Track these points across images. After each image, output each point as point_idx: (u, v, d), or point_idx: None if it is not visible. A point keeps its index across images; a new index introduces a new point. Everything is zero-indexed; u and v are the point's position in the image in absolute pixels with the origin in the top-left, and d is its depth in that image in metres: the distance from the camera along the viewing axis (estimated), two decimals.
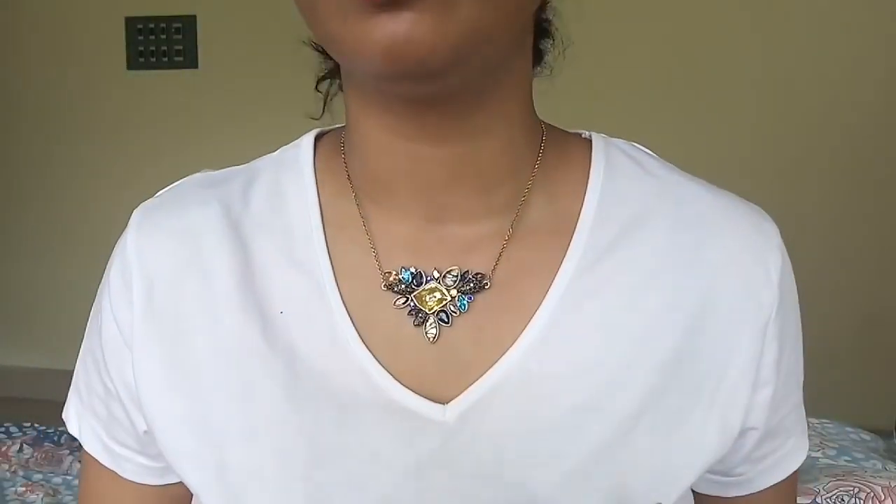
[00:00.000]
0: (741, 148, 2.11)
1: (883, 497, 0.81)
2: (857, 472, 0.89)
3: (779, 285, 0.48)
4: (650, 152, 0.53)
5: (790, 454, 0.54)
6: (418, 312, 0.46)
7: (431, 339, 0.45)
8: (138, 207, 0.53)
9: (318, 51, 0.50)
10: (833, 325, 2.07)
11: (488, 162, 0.45)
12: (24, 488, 1.27)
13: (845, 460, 1.00)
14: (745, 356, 0.47)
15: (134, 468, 0.53)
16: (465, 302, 0.45)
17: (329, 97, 0.53)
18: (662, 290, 0.47)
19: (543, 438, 0.45)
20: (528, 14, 0.42)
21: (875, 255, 2.11)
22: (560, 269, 0.46)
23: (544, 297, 0.46)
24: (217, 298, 0.48)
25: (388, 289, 0.46)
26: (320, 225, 0.48)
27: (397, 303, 0.46)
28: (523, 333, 0.45)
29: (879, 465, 0.99)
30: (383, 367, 0.45)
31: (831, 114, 2.07)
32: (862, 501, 0.81)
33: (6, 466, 1.35)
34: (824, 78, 2.06)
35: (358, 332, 0.46)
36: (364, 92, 0.44)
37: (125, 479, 0.53)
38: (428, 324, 0.45)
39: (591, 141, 0.51)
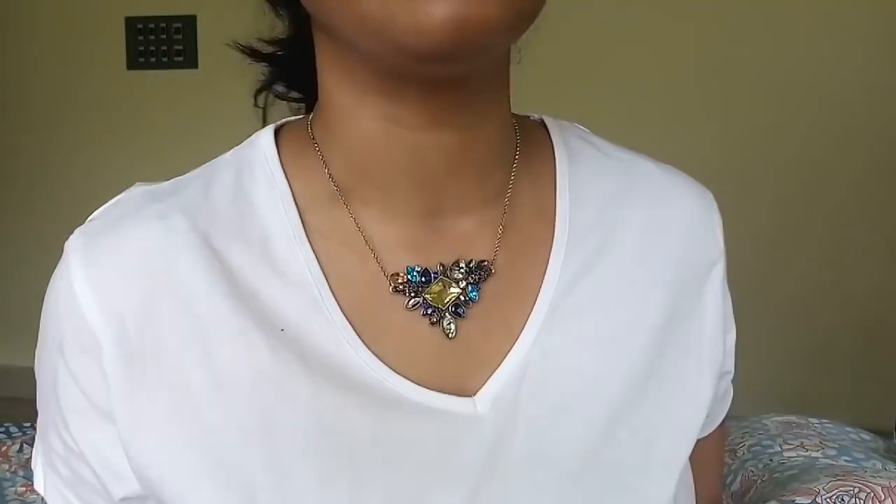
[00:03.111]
0: (743, 147, 2.11)
1: (883, 497, 0.81)
2: (857, 472, 0.88)
3: (723, 242, 0.54)
4: (593, 134, 0.55)
5: (730, 385, 0.59)
6: (433, 311, 0.44)
7: (450, 335, 0.44)
8: (74, 235, 0.45)
9: (247, 54, 0.51)
10: (833, 326, 2.07)
11: (485, 149, 0.45)
12: (24, 488, 1.27)
13: (845, 460, 0.99)
14: (713, 309, 0.52)
15: None
16: (475, 292, 0.45)
17: (267, 108, 0.54)
18: (644, 261, 0.49)
19: (574, 407, 0.45)
20: None
21: (876, 256, 2.11)
22: (552, 249, 0.47)
23: (543, 276, 0.47)
24: (206, 324, 0.43)
25: (398, 292, 0.44)
26: (302, 231, 0.45)
27: (410, 304, 0.44)
28: (531, 314, 0.46)
29: (879, 465, 0.99)
30: (398, 373, 0.43)
31: (835, 113, 2.07)
32: (862, 501, 0.81)
33: (6, 466, 1.35)
34: (828, 76, 2.06)
35: (364, 343, 0.43)
36: (358, 80, 0.42)
37: None
38: (445, 321, 0.44)
39: (544, 124, 0.53)
